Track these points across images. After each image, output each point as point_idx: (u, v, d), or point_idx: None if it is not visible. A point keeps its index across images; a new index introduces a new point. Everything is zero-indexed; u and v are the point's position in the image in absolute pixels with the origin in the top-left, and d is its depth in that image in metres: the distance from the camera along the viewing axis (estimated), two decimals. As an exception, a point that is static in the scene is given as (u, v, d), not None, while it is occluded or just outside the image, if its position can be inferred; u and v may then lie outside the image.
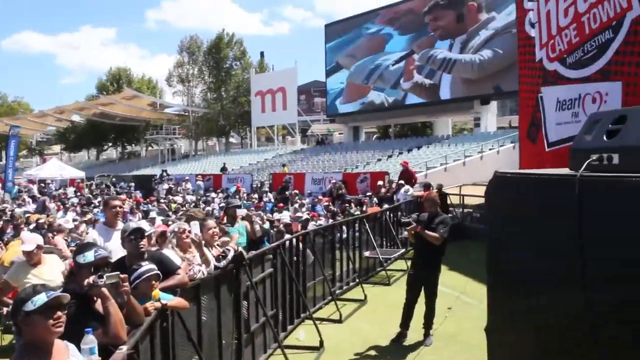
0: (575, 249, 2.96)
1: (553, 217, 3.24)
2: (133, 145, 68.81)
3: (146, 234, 4.86)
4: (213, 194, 24.15)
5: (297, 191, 21.72)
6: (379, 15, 38.21)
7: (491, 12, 31.30)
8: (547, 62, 11.67)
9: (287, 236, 8.98)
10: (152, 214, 14.59)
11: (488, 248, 4.05)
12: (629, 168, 2.87)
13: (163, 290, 4.39)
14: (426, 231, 7.28)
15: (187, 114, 58.79)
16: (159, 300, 4.13)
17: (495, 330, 3.97)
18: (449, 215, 14.93)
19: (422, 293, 7.59)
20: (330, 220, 13.01)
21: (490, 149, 27.57)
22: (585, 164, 3.08)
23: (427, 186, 16.24)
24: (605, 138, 3.18)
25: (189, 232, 5.74)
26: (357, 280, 10.71)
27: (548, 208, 3.32)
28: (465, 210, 17.27)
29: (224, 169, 35.27)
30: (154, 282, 4.19)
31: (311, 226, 11.26)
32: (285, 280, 8.00)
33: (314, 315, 8.43)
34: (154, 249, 5.41)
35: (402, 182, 17.61)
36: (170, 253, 5.34)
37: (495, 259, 3.98)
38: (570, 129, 10.44)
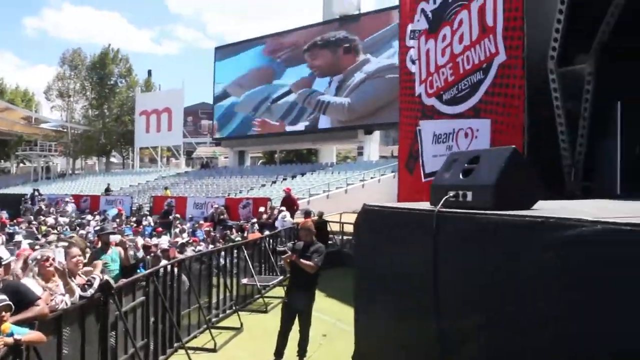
0: (430, 280, 3.12)
1: (412, 250, 3.40)
2: (2, 161, 64.33)
3: (3, 262, 4.56)
4: (89, 217, 23.02)
5: (178, 215, 21.26)
6: (267, 43, 38.79)
7: (367, 54, 32.62)
8: (425, 97, 12.31)
9: (163, 262, 8.74)
10: (18, 237, 13.68)
11: (354, 277, 4.17)
12: (480, 205, 3.08)
13: (20, 322, 4.13)
14: (301, 260, 7.33)
15: (65, 130, 56.25)
16: (11, 334, 3.87)
17: (361, 358, 4.07)
18: (328, 242, 15.24)
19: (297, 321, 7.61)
20: (211, 246, 12.81)
21: (371, 178, 28.45)
22: (443, 200, 3.27)
23: (307, 213, 16.41)
24: (461, 176, 3.39)
25: (53, 259, 5.45)
26: (234, 307, 10.59)
27: (408, 240, 3.48)
28: (345, 237, 17.59)
29: (108, 190, 33.59)
30: (3, 313, 3.91)
31: (190, 252, 11.04)
32: (158, 309, 7.75)
33: (188, 345, 8.23)
34: (11, 278, 5.09)
35: (283, 208, 17.70)
36: (31, 282, 5.03)
37: (360, 287, 4.10)
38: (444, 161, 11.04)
